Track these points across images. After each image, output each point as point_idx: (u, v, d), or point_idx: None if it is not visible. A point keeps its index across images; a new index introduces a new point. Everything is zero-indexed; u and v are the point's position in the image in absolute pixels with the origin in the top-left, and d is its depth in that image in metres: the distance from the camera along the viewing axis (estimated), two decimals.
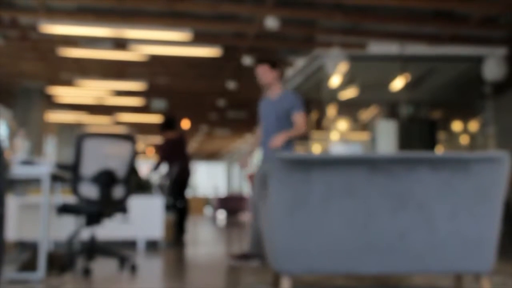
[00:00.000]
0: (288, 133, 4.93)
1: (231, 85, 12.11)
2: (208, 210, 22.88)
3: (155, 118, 16.76)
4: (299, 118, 5.01)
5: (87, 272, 4.14)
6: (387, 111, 11.48)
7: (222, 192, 27.92)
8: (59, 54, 10.03)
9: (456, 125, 11.42)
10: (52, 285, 3.71)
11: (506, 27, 8.41)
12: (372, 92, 11.07)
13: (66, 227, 6.17)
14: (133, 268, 4.42)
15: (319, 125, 11.13)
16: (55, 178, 4.45)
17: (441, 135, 10.99)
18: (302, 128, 4.98)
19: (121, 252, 4.66)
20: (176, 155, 7.69)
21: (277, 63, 5.17)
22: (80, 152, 4.26)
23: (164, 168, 7.73)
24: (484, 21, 8.10)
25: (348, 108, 11.22)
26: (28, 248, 6.13)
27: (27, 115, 12.88)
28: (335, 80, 9.00)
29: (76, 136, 4.33)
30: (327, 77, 9.15)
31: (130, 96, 13.75)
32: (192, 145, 24.49)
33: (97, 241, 4.58)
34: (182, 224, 7.78)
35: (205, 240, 8.29)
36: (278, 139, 4.87)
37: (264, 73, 5.12)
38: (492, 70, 8.50)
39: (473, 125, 10.73)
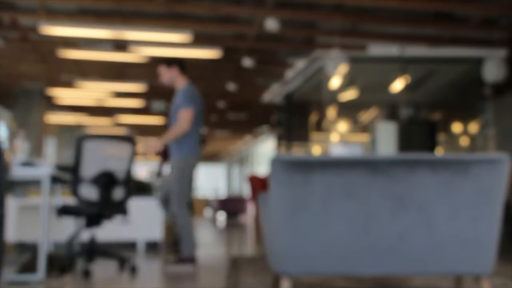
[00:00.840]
0: (164, 138, 4.75)
1: (231, 86, 12.12)
2: (208, 212, 22.87)
3: (155, 120, 16.76)
4: (181, 114, 4.79)
5: (87, 274, 4.14)
6: (387, 113, 11.48)
7: (222, 193, 27.92)
8: (59, 56, 10.03)
9: (456, 127, 11.42)
10: (52, 286, 3.71)
11: (505, 29, 8.41)
12: (372, 94, 11.07)
13: (66, 229, 6.17)
14: (133, 270, 4.42)
15: (319, 126, 11.14)
16: (55, 179, 4.45)
17: (441, 137, 10.99)
18: (182, 125, 4.75)
19: (121, 253, 4.66)
20: None
21: (173, 61, 5.05)
22: (81, 153, 4.26)
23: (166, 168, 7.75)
24: (484, 23, 8.11)
25: (348, 110, 11.23)
26: (28, 250, 6.12)
27: (27, 117, 12.87)
28: (335, 82, 9.01)
29: (76, 138, 4.33)
30: (327, 79, 9.16)
31: (130, 98, 13.76)
32: None
33: (97, 242, 4.58)
34: None
35: (205, 241, 8.28)
36: (149, 147, 4.75)
37: (163, 74, 5.05)
38: (492, 71, 8.50)
39: (473, 127, 10.73)
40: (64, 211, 4.40)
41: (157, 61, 5.12)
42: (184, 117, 4.77)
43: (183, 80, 5.04)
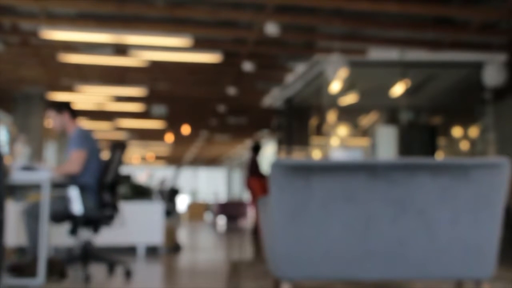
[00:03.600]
0: (56, 169, 4.51)
1: (231, 90, 12.12)
2: (208, 216, 22.86)
3: (155, 124, 16.76)
4: (71, 155, 4.56)
5: (86, 278, 4.13)
6: (387, 117, 11.47)
7: (222, 197, 27.90)
8: (59, 60, 10.04)
9: (456, 131, 11.41)
10: None
11: (506, 33, 8.42)
12: (372, 98, 11.07)
13: (66, 233, 6.14)
14: (128, 274, 4.41)
15: (319, 131, 11.14)
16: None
17: (441, 141, 10.98)
18: (70, 165, 4.49)
19: (112, 257, 4.67)
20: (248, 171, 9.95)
21: (62, 106, 4.76)
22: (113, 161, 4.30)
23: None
24: (484, 27, 8.11)
25: (348, 114, 11.22)
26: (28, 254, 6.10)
27: (27, 121, 12.87)
28: (335, 86, 9.01)
29: (111, 144, 4.36)
30: (327, 83, 9.16)
31: (130, 102, 13.76)
32: (192, 151, 24.51)
33: (92, 247, 4.59)
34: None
35: (205, 246, 8.27)
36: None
37: (53, 119, 4.76)
38: (492, 76, 8.50)
39: (473, 131, 10.72)
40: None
41: (49, 104, 4.87)
42: (73, 159, 4.52)
43: (74, 125, 4.78)
